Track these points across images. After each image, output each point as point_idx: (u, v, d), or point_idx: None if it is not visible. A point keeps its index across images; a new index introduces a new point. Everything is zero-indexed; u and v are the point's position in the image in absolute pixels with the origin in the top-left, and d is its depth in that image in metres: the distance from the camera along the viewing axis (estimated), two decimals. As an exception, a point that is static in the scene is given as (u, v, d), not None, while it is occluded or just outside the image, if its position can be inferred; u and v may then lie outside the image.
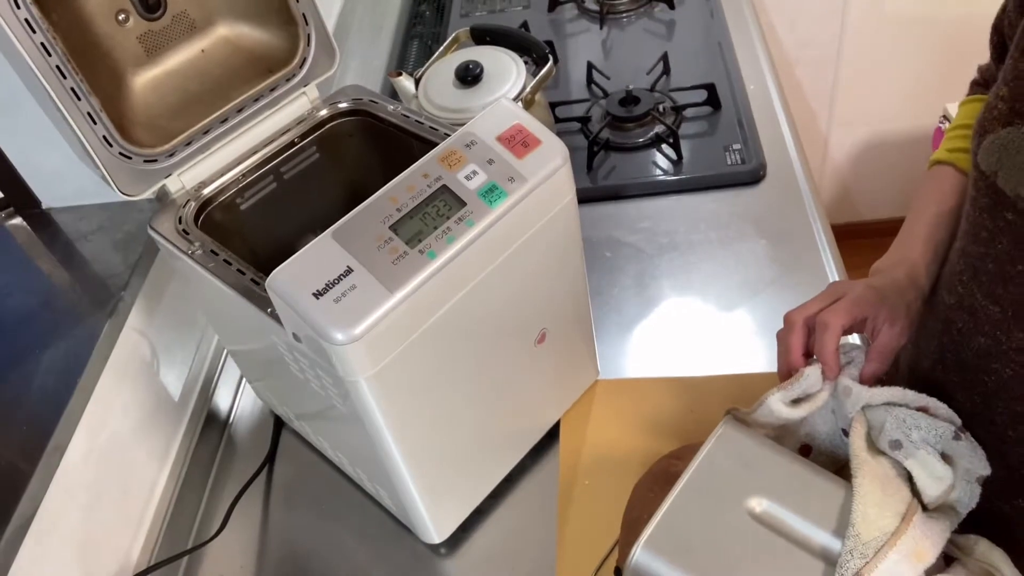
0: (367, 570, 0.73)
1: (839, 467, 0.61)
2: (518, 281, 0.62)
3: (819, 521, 0.52)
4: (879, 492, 0.52)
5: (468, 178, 0.56)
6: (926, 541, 0.50)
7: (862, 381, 0.59)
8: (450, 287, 0.56)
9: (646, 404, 0.78)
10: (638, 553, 0.53)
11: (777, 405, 0.59)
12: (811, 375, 0.58)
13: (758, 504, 0.54)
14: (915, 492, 0.54)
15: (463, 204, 0.55)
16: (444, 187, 0.55)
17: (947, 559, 0.53)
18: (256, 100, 0.70)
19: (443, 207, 0.55)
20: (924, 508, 0.53)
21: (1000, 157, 0.52)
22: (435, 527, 0.70)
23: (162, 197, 0.69)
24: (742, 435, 0.58)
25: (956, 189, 0.65)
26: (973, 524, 0.55)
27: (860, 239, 2.01)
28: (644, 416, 0.77)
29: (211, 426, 0.88)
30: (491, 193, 0.56)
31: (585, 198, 1.00)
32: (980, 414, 0.58)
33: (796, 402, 0.59)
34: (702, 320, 0.86)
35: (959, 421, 0.56)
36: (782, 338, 0.61)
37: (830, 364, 0.58)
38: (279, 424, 0.85)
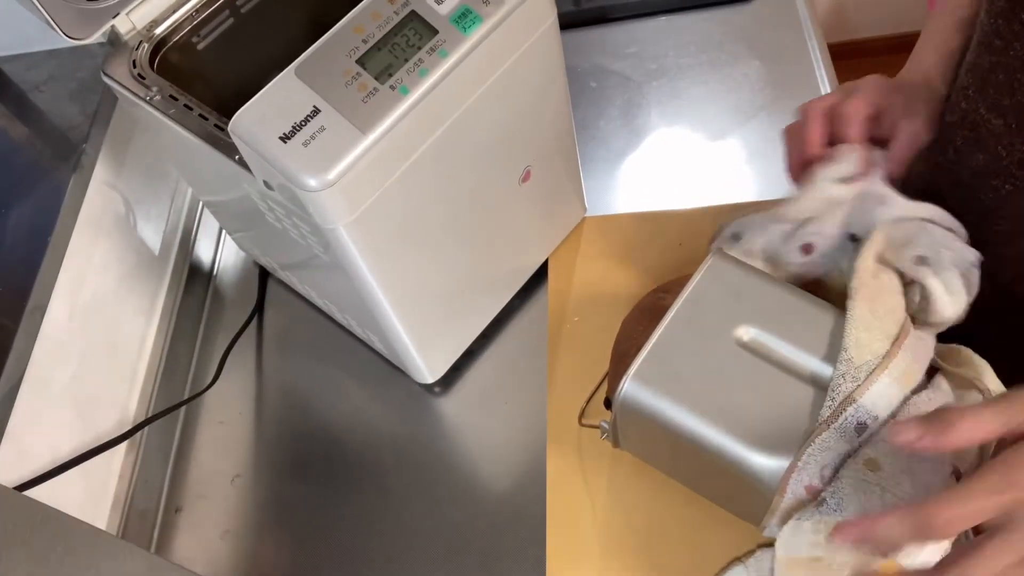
0: (364, 410, 0.75)
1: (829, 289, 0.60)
2: (498, 116, 0.59)
3: (809, 346, 0.52)
4: (870, 316, 0.51)
5: (439, 1, 0.51)
6: (915, 364, 0.51)
7: None
8: (426, 125, 0.53)
9: (635, 240, 0.77)
10: (627, 384, 0.53)
11: (825, 184, 0.56)
12: (851, 157, 0.55)
13: (746, 332, 0.53)
14: (918, 311, 0.53)
15: (435, 32, 0.51)
16: (413, 13, 0.51)
17: (929, 370, 0.53)
18: (201, -77, 0.64)
19: (413, 36, 0.51)
20: (915, 324, 0.53)
21: None
22: (427, 368, 0.71)
23: (114, 40, 0.64)
24: (732, 266, 0.56)
25: None
26: (957, 341, 0.55)
27: (857, 59, 1.94)
28: (633, 252, 0.76)
29: (195, 279, 0.87)
30: (465, 18, 0.52)
31: (568, 23, 0.94)
32: (972, 235, 0.57)
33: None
34: (692, 150, 0.84)
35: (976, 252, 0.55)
36: (796, 131, 0.58)
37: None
38: (264, 274, 0.85)
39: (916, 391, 0.50)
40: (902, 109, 0.57)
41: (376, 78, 0.50)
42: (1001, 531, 0.37)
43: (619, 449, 0.62)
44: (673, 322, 0.54)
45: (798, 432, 0.50)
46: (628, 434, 0.59)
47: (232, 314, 0.84)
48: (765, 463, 0.50)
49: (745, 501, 0.55)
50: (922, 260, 0.53)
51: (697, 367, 0.53)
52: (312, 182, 0.48)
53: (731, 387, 0.52)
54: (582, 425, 0.67)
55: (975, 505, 0.38)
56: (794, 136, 0.59)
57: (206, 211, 0.91)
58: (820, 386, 0.51)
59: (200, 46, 0.67)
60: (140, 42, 0.64)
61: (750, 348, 0.53)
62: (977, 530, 0.40)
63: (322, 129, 0.48)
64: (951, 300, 0.52)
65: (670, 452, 0.57)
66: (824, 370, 0.51)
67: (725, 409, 0.51)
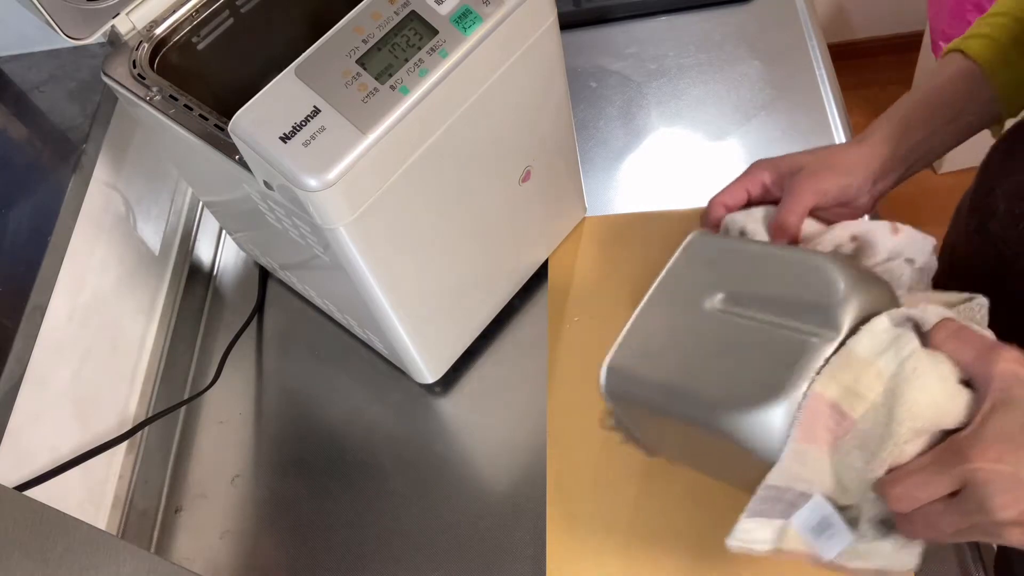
0: (364, 410, 0.75)
1: None
2: (499, 116, 0.59)
3: (795, 295, 0.46)
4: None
5: (439, 1, 0.51)
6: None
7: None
8: (426, 125, 0.53)
9: (635, 239, 0.77)
10: (604, 374, 0.51)
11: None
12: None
13: (724, 295, 0.49)
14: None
15: (435, 32, 0.51)
16: (413, 13, 0.51)
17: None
18: (201, -77, 0.64)
19: (413, 36, 0.51)
20: None
21: None
22: (428, 368, 0.71)
23: (114, 40, 0.64)
24: (711, 239, 0.54)
25: (955, 74, 0.57)
26: None
27: (856, 59, 1.95)
28: (632, 252, 0.76)
29: (195, 279, 0.87)
30: (465, 18, 0.52)
31: (568, 23, 0.94)
32: None
33: None
34: (692, 150, 0.84)
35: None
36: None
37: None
38: (265, 274, 0.85)
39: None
40: (807, 173, 0.56)
41: (376, 78, 0.50)
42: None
43: (629, 445, 0.57)
44: (648, 305, 0.52)
45: (784, 377, 0.43)
46: (630, 425, 0.56)
47: (232, 314, 0.84)
48: (755, 419, 0.43)
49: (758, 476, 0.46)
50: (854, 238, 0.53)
51: (672, 343, 0.50)
52: (312, 182, 0.48)
53: (715, 353, 0.48)
54: (605, 428, 0.61)
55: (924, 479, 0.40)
56: (702, 223, 0.60)
57: (206, 211, 0.91)
58: (806, 333, 0.44)
59: (200, 46, 0.67)
60: (140, 42, 0.64)
61: (726, 312, 0.49)
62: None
63: (322, 129, 0.48)
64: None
65: (671, 437, 0.54)
66: (813, 315, 0.45)
67: (702, 378, 0.47)
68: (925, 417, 0.41)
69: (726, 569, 0.59)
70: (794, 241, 0.56)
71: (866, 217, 0.57)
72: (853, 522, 0.44)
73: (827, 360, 0.43)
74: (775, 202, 0.58)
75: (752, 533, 0.45)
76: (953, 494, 0.40)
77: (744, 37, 0.90)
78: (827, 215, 0.57)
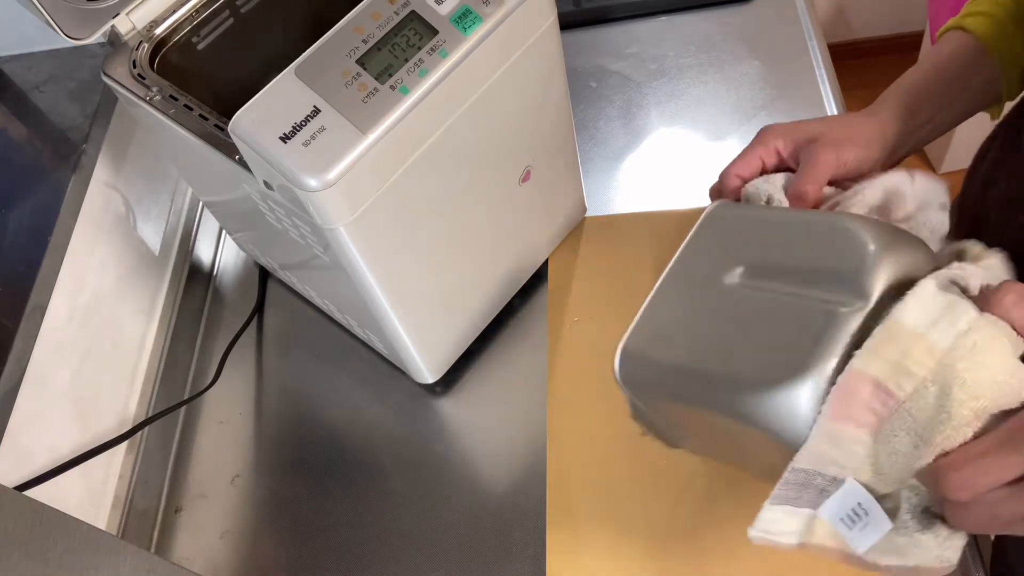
0: (364, 410, 0.75)
1: None
2: (499, 116, 0.59)
3: (821, 262, 0.42)
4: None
5: (439, 1, 0.51)
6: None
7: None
8: (426, 125, 0.53)
9: (635, 239, 0.77)
10: (618, 362, 0.47)
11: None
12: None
13: (745, 268, 0.45)
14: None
15: (435, 32, 0.51)
16: (413, 13, 0.51)
17: None
18: (201, -77, 0.64)
19: (413, 36, 0.51)
20: None
21: None
22: (428, 368, 0.71)
23: (114, 40, 0.64)
24: (732, 208, 0.50)
25: (958, 50, 0.57)
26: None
27: (856, 59, 1.95)
28: (633, 251, 0.76)
29: (195, 279, 0.87)
30: (465, 18, 0.52)
31: (568, 23, 0.94)
32: None
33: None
34: (692, 150, 0.84)
35: None
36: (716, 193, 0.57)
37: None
38: (265, 274, 0.85)
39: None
40: (825, 143, 0.54)
41: (376, 78, 0.50)
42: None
43: (650, 437, 0.54)
44: (665, 282, 0.48)
45: (809, 352, 0.39)
46: (648, 415, 0.51)
47: (232, 314, 0.84)
48: (777, 399, 0.39)
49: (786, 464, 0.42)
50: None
51: (689, 323, 0.45)
52: (312, 182, 0.48)
53: (724, 333, 0.43)
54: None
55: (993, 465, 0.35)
56: (713, 197, 0.58)
57: (206, 211, 0.91)
58: (835, 303, 0.40)
59: (200, 46, 0.67)
60: (140, 42, 0.64)
61: (746, 286, 0.44)
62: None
63: (322, 129, 0.48)
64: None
65: (692, 426, 0.49)
66: (838, 283, 0.40)
67: (718, 357, 0.43)
68: (987, 397, 0.36)
69: (727, 569, 0.59)
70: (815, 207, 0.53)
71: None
72: (891, 512, 0.39)
73: (857, 331, 0.38)
74: (788, 171, 0.55)
75: (777, 524, 0.40)
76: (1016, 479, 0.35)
77: (744, 37, 0.90)
78: (843, 183, 0.55)
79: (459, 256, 0.65)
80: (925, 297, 0.37)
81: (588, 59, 0.92)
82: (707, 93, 0.87)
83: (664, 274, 0.48)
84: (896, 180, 0.51)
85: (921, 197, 0.50)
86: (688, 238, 0.49)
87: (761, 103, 0.85)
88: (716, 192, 0.57)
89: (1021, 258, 0.51)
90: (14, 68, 0.79)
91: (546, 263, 0.78)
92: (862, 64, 1.89)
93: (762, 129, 0.56)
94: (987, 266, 0.42)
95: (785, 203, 0.52)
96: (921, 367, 0.37)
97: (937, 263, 0.42)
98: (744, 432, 0.41)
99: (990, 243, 0.57)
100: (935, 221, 0.49)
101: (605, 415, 0.68)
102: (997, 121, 0.61)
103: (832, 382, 0.38)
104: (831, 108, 0.82)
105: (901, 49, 1.85)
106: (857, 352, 0.37)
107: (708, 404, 0.42)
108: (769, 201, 0.53)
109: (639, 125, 0.86)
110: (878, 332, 0.37)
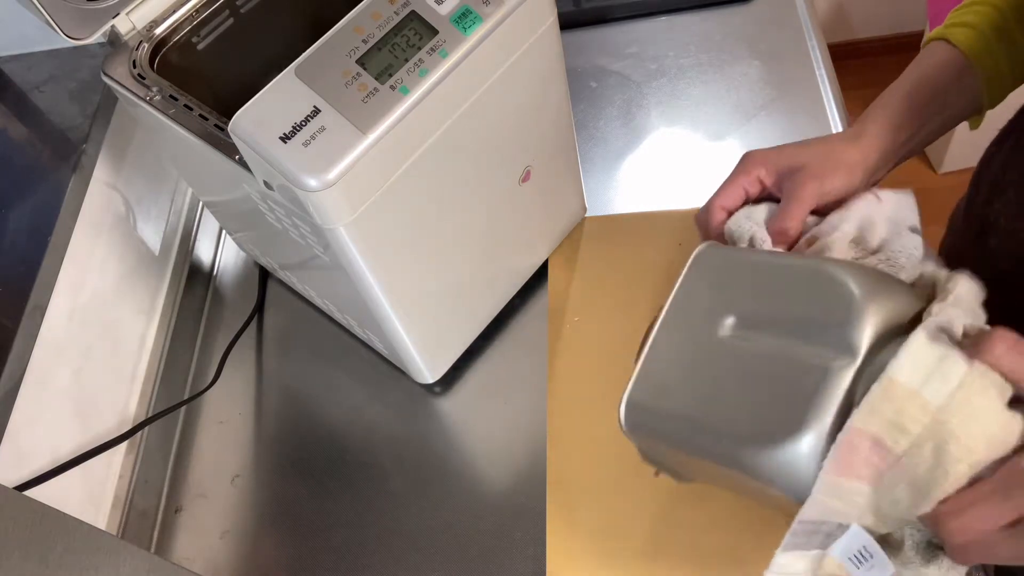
0: (364, 410, 0.75)
1: None
2: (499, 116, 0.59)
3: (809, 313, 0.43)
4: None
5: (439, 1, 0.51)
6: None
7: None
8: (426, 125, 0.53)
9: (635, 240, 0.77)
10: (622, 413, 0.49)
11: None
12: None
13: (731, 324, 0.47)
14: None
15: (435, 32, 0.51)
16: (413, 13, 0.51)
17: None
18: (201, -77, 0.64)
19: (413, 36, 0.51)
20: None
21: None
22: (428, 368, 0.71)
23: (114, 40, 0.64)
24: (717, 253, 0.51)
25: (941, 62, 0.56)
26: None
27: (856, 59, 1.95)
28: (633, 252, 0.76)
29: (196, 279, 0.87)
30: (465, 18, 0.52)
31: (568, 23, 0.94)
32: None
33: None
34: (692, 150, 0.84)
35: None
36: (703, 223, 0.57)
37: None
38: (265, 274, 0.85)
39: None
40: (807, 174, 0.54)
41: (376, 78, 0.50)
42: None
43: (663, 475, 0.55)
44: (661, 331, 0.50)
45: (805, 411, 0.41)
46: (655, 457, 0.53)
47: (232, 314, 0.84)
48: (778, 457, 0.41)
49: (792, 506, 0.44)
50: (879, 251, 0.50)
51: (688, 375, 0.47)
52: (312, 182, 0.48)
53: (724, 387, 0.45)
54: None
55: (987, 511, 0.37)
56: (700, 225, 0.58)
57: (206, 211, 0.91)
58: (831, 360, 0.41)
59: (200, 46, 0.67)
60: (140, 42, 0.64)
61: (739, 337, 0.46)
62: None
63: (322, 129, 0.48)
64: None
65: (699, 471, 0.51)
66: (832, 336, 0.42)
67: (720, 413, 0.45)
68: (980, 451, 0.38)
69: (727, 569, 0.59)
70: (794, 242, 0.54)
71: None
72: (897, 544, 0.42)
73: (850, 384, 0.40)
74: (771, 198, 0.56)
75: (790, 566, 0.42)
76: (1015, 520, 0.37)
77: (744, 37, 0.90)
78: (824, 209, 0.55)
79: (459, 256, 0.65)
80: (917, 352, 0.39)
81: (588, 59, 0.92)
82: (707, 93, 0.87)
83: (659, 320, 0.50)
84: (866, 209, 0.52)
85: (891, 219, 0.51)
86: (679, 283, 0.50)
87: (761, 103, 0.85)
88: (703, 222, 0.58)
89: None
90: (14, 68, 0.79)
91: (546, 263, 0.78)
92: (862, 64, 1.89)
93: (744, 156, 0.57)
94: (957, 297, 0.43)
95: (767, 241, 0.53)
96: (916, 424, 0.38)
97: (921, 302, 0.43)
98: (749, 480, 0.43)
99: (997, 248, 0.57)
100: (910, 246, 0.50)
101: (605, 415, 0.67)
102: (1003, 127, 0.61)
103: (831, 437, 0.39)
104: (831, 108, 0.82)
105: (901, 49, 1.85)
106: (855, 410, 0.39)
107: (712, 457, 0.45)
108: (752, 241, 0.53)
109: (639, 125, 0.86)
110: (874, 390, 0.39)
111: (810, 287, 0.44)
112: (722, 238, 0.56)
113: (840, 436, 0.39)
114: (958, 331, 0.41)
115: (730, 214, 0.56)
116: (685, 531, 0.61)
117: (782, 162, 0.55)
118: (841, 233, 0.51)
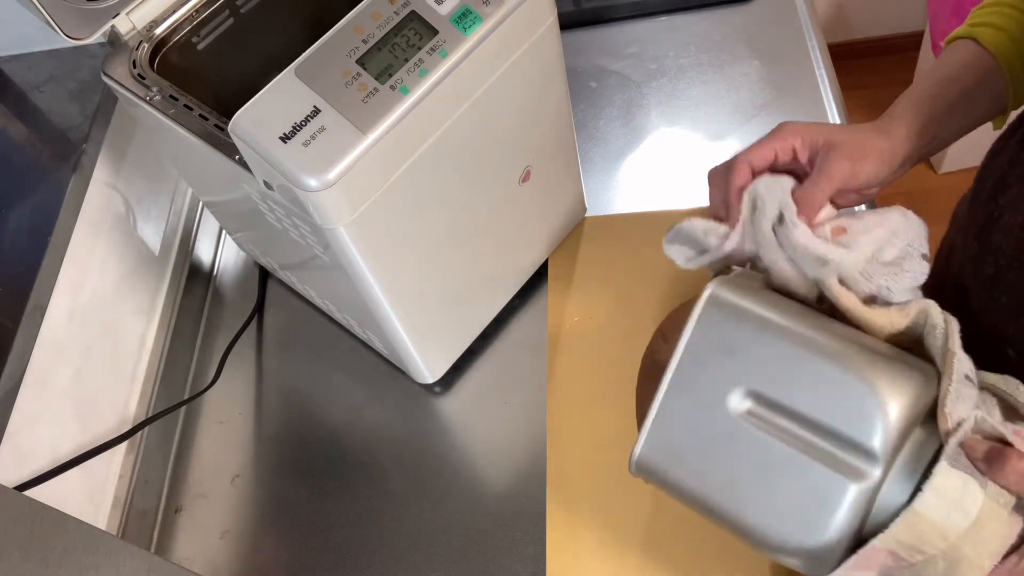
0: (364, 410, 0.75)
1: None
2: (499, 116, 0.59)
3: (829, 413, 0.43)
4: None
5: (439, 1, 0.51)
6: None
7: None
8: (426, 125, 0.53)
9: (635, 240, 0.77)
10: (634, 464, 0.49)
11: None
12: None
13: (744, 400, 0.46)
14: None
15: (435, 32, 0.51)
16: (413, 13, 0.51)
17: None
18: (201, -77, 0.64)
19: (413, 36, 0.51)
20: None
21: None
22: (428, 368, 0.71)
23: (114, 40, 0.64)
24: (726, 309, 0.48)
25: (969, 62, 0.56)
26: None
27: (856, 59, 1.95)
28: (633, 252, 0.76)
29: (196, 279, 0.87)
30: (465, 18, 0.52)
31: (568, 23, 0.94)
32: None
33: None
34: (692, 150, 0.84)
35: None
36: (719, 173, 0.56)
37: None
38: (265, 274, 0.85)
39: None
40: (843, 152, 0.53)
41: (376, 78, 0.50)
42: None
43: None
44: (670, 390, 0.48)
45: (829, 522, 0.42)
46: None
47: (232, 314, 0.84)
48: (798, 555, 0.43)
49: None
50: (873, 299, 0.50)
51: (701, 448, 0.46)
52: (312, 182, 0.48)
53: (741, 472, 0.45)
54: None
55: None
56: (716, 179, 0.57)
57: (206, 211, 0.91)
58: (839, 462, 0.43)
59: (200, 46, 0.67)
60: (140, 42, 0.64)
61: (754, 418, 0.45)
62: None
63: (322, 129, 0.48)
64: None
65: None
66: (845, 433, 0.43)
67: (738, 499, 0.45)
68: (987, 566, 0.41)
69: (727, 569, 0.59)
70: (809, 224, 0.52)
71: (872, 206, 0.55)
72: None
73: (872, 492, 0.42)
74: (792, 171, 0.55)
75: None
76: None
77: (744, 37, 0.90)
78: (837, 195, 0.55)
79: (460, 255, 0.65)
80: (942, 487, 0.41)
81: (588, 59, 0.92)
82: (707, 93, 0.87)
83: (668, 376, 0.48)
84: (900, 220, 0.52)
85: (910, 241, 0.52)
86: (686, 337, 0.48)
87: (761, 103, 0.85)
88: (720, 176, 0.56)
89: None
90: (14, 68, 0.79)
91: (546, 263, 0.78)
92: (862, 64, 1.88)
93: (781, 124, 0.56)
94: (959, 374, 0.44)
95: (793, 208, 0.52)
96: (934, 548, 0.41)
97: (934, 381, 0.44)
98: (759, 550, 0.46)
99: (1000, 244, 0.57)
100: (919, 271, 0.51)
101: (605, 415, 0.68)
102: (1011, 121, 0.61)
103: (850, 545, 0.42)
104: (831, 108, 0.82)
105: (901, 49, 1.85)
106: (879, 536, 0.41)
107: (724, 527, 0.46)
108: (779, 207, 0.52)
109: (639, 125, 0.86)
110: (900, 523, 0.41)
111: (833, 384, 0.43)
112: (739, 195, 0.54)
113: (860, 551, 0.42)
114: (970, 428, 0.43)
115: (755, 175, 0.55)
116: (685, 531, 0.61)
117: (819, 137, 0.54)
118: (871, 236, 0.51)
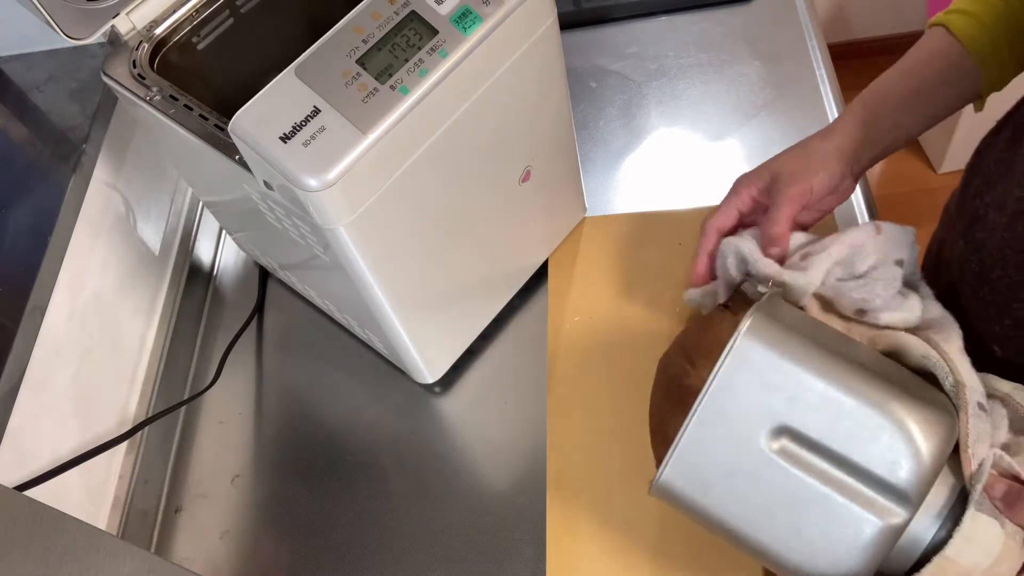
0: (364, 410, 0.75)
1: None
2: (499, 116, 0.59)
3: (862, 456, 0.44)
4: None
5: (439, 1, 0.51)
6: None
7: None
8: (426, 125, 0.53)
9: (635, 240, 0.77)
10: (657, 488, 0.49)
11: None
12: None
13: (778, 439, 0.46)
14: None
15: (435, 32, 0.51)
16: (413, 13, 0.51)
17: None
18: (201, -77, 0.64)
19: (413, 36, 0.51)
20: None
21: None
22: (428, 368, 0.71)
23: (114, 40, 0.64)
24: (765, 343, 0.47)
25: (936, 49, 0.57)
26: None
27: (856, 59, 1.94)
28: (633, 252, 0.76)
29: (195, 279, 0.87)
30: (465, 18, 0.52)
31: (568, 23, 0.94)
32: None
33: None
34: (692, 150, 0.84)
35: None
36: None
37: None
38: (264, 274, 0.85)
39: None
40: (788, 178, 0.57)
41: (376, 78, 0.50)
42: None
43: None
44: (699, 419, 0.47)
45: (859, 562, 0.44)
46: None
47: (232, 314, 0.84)
48: None
49: None
50: (862, 312, 0.53)
51: (730, 479, 0.47)
52: (312, 182, 0.48)
53: (770, 506, 0.46)
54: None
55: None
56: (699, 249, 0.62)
57: (206, 211, 0.91)
58: (870, 503, 0.44)
59: (200, 46, 0.67)
60: (140, 42, 0.64)
61: (785, 455, 0.46)
62: None
63: (322, 129, 0.48)
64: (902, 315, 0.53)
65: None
66: (876, 474, 0.44)
67: (766, 532, 0.46)
68: None
69: (727, 569, 0.59)
70: (783, 255, 0.56)
71: (857, 220, 0.57)
72: None
73: (898, 535, 0.44)
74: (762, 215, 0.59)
75: None
76: None
77: (744, 37, 0.90)
78: (818, 204, 0.58)
79: (459, 255, 0.65)
80: (971, 534, 0.44)
81: (588, 59, 0.92)
82: (707, 93, 0.87)
83: (699, 404, 0.48)
84: (862, 236, 0.55)
85: (884, 251, 0.55)
86: (724, 363, 0.47)
87: (761, 103, 0.85)
88: (701, 243, 0.61)
89: (1019, 264, 0.51)
90: (14, 68, 0.79)
91: (546, 263, 0.78)
92: (862, 64, 1.88)
93: (735, 181, 0.61)
94: (974, 405, 0.47)
95: (756, 251, 0.56)
96: None
97: (955, 420, 0.47)
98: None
99: (984, 241, 0.58)
100: (889, 276, 0.53)
101: (605, 415, 0.68)
102: (1001, 118, 0.61)
103: None
104: (831, 108, 0.82)
105: (901, 49, 1.84)
106: None
107: (748, 554, 0.48)
108: (740, 254, 0.57)
109: (639, 125, 0.86)
110: (931, 567, 0.45)
111: (870, 428, 0.44)
112: (712, 259, 0.60)
113: None
114: (989, 467, 0.46)
115: (726, 235, 0.60)
116: (685, 531, 0.61)
117: (765, 175, 0.59)
118: (827, 253, 0.54)
